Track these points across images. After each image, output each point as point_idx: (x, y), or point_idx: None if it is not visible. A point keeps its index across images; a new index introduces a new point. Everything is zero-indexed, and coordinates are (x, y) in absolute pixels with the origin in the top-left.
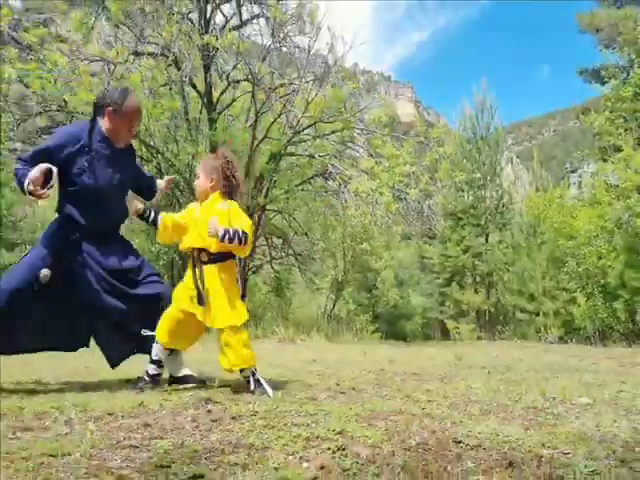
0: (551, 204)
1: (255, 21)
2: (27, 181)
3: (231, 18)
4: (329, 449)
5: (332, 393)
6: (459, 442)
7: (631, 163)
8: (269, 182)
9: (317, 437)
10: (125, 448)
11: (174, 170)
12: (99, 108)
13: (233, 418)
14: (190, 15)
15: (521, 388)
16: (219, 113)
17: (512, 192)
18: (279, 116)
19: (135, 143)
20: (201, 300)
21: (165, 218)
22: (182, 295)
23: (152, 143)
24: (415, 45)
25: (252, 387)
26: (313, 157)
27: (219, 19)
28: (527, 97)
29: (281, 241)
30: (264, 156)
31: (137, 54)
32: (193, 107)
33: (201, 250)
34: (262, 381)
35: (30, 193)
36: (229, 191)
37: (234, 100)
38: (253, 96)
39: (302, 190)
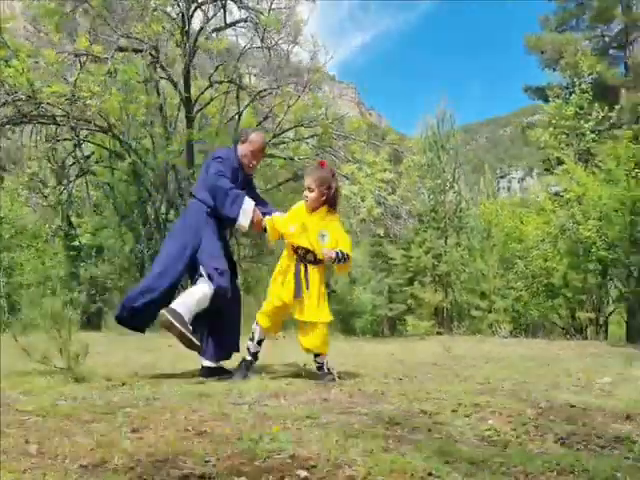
0: (502, 210)
1: (242, 24)
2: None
3: (211, 18)
4: (500, 414)
5: (392, 379)
6: (572, 406)
7: (574, 176)
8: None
9: (475, 404)
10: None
11: (148, 168)
12: (237, 138)
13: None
14: (172, 13)
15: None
16: (197, 112)
17: (467, 197)
18: (265, 119)
19: (108, 139)
20: (298, 293)
21: (268, 221)
22: (281, 287)
23: (126, 139)
24: (358, 47)
25: (324, 371)
26: (292, 159)
27: (202, 19)
28: (464, 104)
29: (249, 240)
30: None
31: (121, 50)
32: (170, 105)
33: (308, 251)
34: (332, 370)
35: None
36: (334, 203)
37: (212, 99)
38: (237, 97)
39: (279, 191)
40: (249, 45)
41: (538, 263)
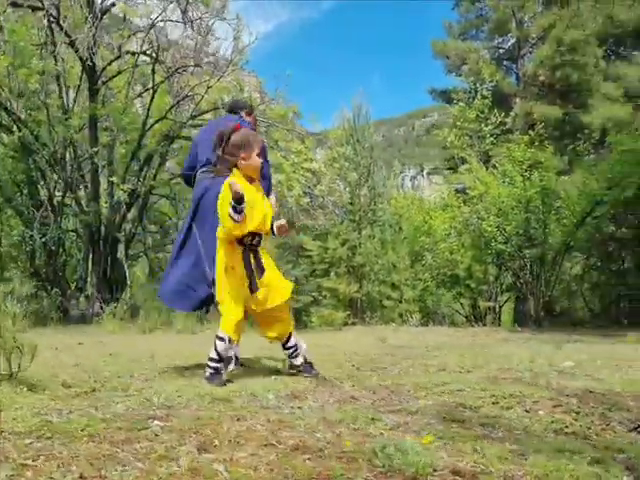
0: (412, 205)
1: None
2: None
3: None
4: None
5: (372, 371)
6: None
7: (477, 175)
8: (158, 164)
9: (510, 395)
10: None
11: (41, 143)
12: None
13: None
14: None
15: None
16: (104, 83)
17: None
18: (183, 98)
19: None
20: (254, 288)
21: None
22: (240, 291)
23: (14, 109)
24: (261, 35)
25: (299, 362)
26: None
27: None
28: (366, 102)
29: (158, 227)
30: (155, 137)
31: (15, 5)
32: (71, 75)
33: (255, 234)
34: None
35: None
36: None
37: (120, 72)
38: (153, 72)
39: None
40: (167, 17)
41: (445, 256)
